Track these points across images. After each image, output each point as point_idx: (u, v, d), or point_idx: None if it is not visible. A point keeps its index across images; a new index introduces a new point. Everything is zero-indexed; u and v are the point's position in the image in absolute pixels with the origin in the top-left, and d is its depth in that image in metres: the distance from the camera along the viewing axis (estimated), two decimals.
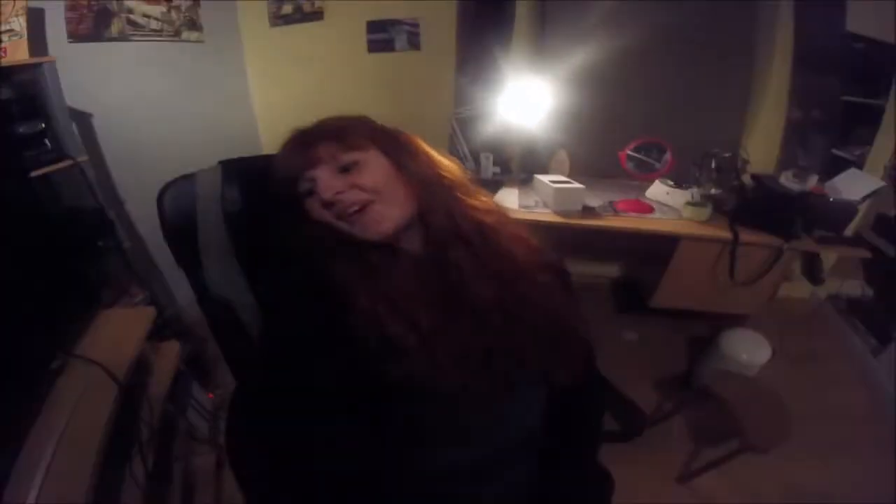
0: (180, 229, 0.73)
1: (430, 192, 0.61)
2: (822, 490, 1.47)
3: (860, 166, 2.07)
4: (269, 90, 2.56)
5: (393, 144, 0.62)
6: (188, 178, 0.75)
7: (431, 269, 0.60)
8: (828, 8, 1.98)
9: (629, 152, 2.04)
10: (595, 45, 2.04)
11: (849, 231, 1.86)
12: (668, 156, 1.98)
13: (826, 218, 1.76)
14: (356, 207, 0.57)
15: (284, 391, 0.57)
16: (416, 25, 2.24)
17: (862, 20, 1.97)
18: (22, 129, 1.27)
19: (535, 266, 0.64)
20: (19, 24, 1.33)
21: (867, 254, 1.86)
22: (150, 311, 1.22)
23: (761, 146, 2.22)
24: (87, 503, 0.74)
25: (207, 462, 1.29)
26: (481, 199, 0.67)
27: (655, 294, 1.96)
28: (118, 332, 1.11)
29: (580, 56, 2.05)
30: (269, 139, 2.67)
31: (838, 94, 2.09)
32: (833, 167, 2.00)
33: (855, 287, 2.39)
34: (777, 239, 1.70)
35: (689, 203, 1.79)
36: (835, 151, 2.20)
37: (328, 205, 0.57)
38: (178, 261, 0.75)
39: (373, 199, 0.57)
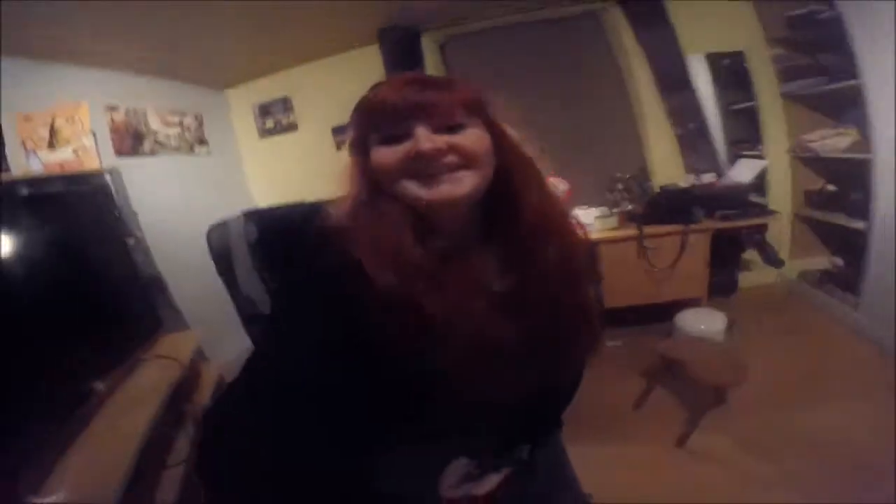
0: (221, 253, 1.11)
1: (525, 177, 0.56)
2: (836, 433, 1.51)
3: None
4: (264, 188, 3.16)
5: (492, 119, 0.56)
6: (224, 223, 1.14)
7: (470, 259, 0.54)
8: (662, 34, 2.51)
9: None
10: None
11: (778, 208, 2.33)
12: (565, 188, 2.37)
13: (722, 200, 2.18)
14: (446, 168, 0.51)
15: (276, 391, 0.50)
16: None
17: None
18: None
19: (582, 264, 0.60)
20: (90, 140, 1.82)
21: (770, 219, 2.21)
22: (198, 334, 1.62)
23: (669, 162, 2.67)
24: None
25: None
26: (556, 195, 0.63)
27: (603, 297, 2.23)
28: (176, 345, 1.52)
29: None
30: None
31: (699, 106, 2.58)
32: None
33: (823, 262, 2.56)
34: (677, 226, 2.04)
35: (597, 217, 2.25)
36: (742, 153, 2.60)
37: (417, 157, 0.50)
38: (220, 273, 1.10)
39: (466, 165, 0.52)
